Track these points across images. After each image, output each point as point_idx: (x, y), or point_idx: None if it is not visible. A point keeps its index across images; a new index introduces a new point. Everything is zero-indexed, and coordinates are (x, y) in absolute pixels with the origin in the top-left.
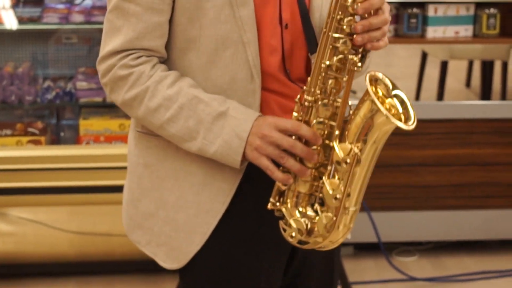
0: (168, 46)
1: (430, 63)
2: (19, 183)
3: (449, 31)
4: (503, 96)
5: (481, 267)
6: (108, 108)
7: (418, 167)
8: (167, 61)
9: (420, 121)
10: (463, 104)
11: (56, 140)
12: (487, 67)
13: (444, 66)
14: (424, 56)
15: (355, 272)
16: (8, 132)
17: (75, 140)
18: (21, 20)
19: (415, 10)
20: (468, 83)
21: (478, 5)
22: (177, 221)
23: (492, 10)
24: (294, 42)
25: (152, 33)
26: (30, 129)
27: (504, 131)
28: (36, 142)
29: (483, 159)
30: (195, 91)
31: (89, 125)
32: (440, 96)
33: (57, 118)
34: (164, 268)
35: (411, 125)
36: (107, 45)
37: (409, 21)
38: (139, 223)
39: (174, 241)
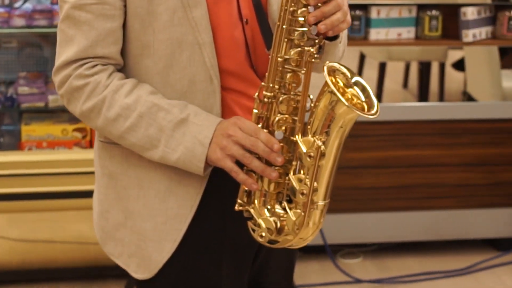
0: (123, 52)
1: (367, 65)
2: None
3: (392, 33)
4: (441, 97)
5: (424, 268)
6: (51, 113)
7: (361, 169)
8: (123, 68)
9: (359, 124)
10: (404, 106)
11: None
12: (424, 68)
13: (382, 67)
14: (362, 58)
15: (301, 274)
16: None
17: (17, 146)
18: None
19: (358, 12)
20: (405, 84)
21: (420, 7)
22: (145, 230)
23: (434, 12)
24: (255, 37)
25: (105, 40)
26: None
27: (445, 133)
28: None
29: (424, 161)
30: (154, 98)
31: (31, 130)
32: (379, 97)
33: None
34: (108, 274)
35: (374, 114)
36: (61, 56)
37: (352, 23)
38: (111, 235)
39: (144, 251)
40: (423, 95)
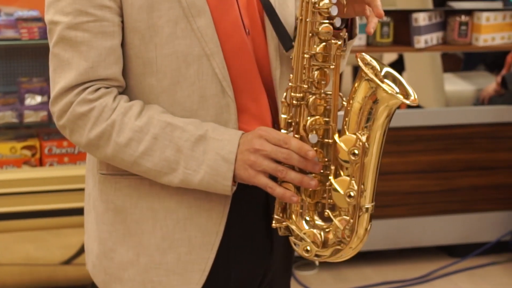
0: (124, 73)
1: None
2: None
3: None
4: None
5: (382, 278)
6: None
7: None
8: (125, 90)
9: None
10: None
11: None
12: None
13: None
14: None
15: None
16: None
17: None
18: None
19: None
20: (339, 89)
21: None
22: (166, 264)
23: (385, 19)
24: (256, 47)
25: (106, 60)
26: None
27: (398, 140)
28: None
29: (382, 169)
30: (167, 117)
31: None
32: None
33: None
34: None
35: (414, 100)
36: (58, 83)
37: None
38: (117, 276)
39: (166, 287)
40: None
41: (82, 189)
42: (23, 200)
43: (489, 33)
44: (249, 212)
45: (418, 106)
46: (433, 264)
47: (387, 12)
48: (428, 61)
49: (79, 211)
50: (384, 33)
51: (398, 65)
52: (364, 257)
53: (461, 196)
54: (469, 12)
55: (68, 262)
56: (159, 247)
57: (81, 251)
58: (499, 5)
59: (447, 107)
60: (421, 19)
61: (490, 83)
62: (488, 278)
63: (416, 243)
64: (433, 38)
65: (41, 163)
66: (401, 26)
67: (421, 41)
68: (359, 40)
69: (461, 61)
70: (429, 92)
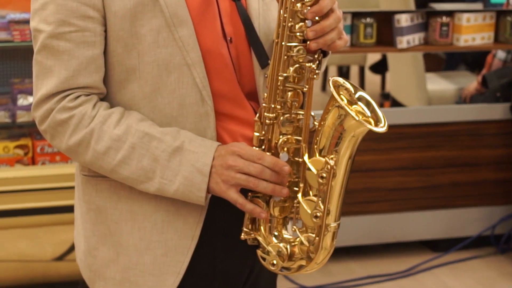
0: (105, 79)
1: None
2: None
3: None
4: None
5: (366, 272)
6: None
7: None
8: (107, 96)
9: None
10: None
11: None
12: (343, 72)
13: None
14: None
15: None
16: None
17: None
18: None
19: None
20: (323, 88)
21: (355, 15)
22: (143, 264)
23: (368, 20)
24: (240, 56)
25: (87, 69)
26: None
27: (381, 137)
28: None
29: (361, 166)
30: (145, 127)
31: None
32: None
33: None
34: None
35: (384, 128)
36: (40, 89)
37: None
38: (99, 273)
39: (142, 287)
40: None
41: (73, 187)
42: (16, 198)
43: (469, 34)
44: (228, 215)
45: (401, 105)
46: (416, 258)
47: (371, 14)
48: (410, 61)
49: (71, 209)
50: (367, 34)
51: (382, 65)
52: (349, 252)
53: (443, 192)
54: (450, 13)
55: (60, 258)
56: (137, 248)
57: (72, 247)
58: (479, 6)
59: (430, 106)
60: (403, 20)
61: (471, 82)
62: (470, 272)
63: (399, 238)
64: (415, 38)
65: (33, 162)
66: (384, 27)
67: (403, 41)
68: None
69: (443, 61)
70: (412, 91)
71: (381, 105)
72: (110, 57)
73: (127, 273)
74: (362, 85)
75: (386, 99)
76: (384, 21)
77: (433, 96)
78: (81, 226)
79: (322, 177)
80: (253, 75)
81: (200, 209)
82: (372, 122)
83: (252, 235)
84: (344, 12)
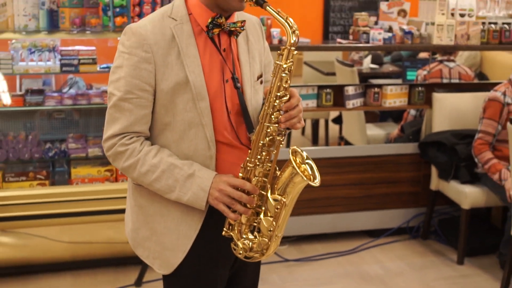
0: (150, 128)
1: None
2: (30, 211)
3: (303, 105)
4: (327, 141)
5: (327, 250)
6: (90, 160)
7: None
8: (150, 138)
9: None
10: (318, 149)
11: (55, 182)
12: (315, 123)
13: None
14: None
15: None
16: (24, 178)
17: (68, 182)
18: (30, 104)
19: None
20: (303, 133)
21: (320, 87)
22: (164, 243)
23: (328, 90)
24: (236, 121)
25: (140, 122)
26: (38, 176)
27: (337, 165)
28: (42, 184)
29: (324, 183)
30: (172, 159)
31: (77, 172)
32: (288, 143)
33: (55, 167)
34: (129, 262)
35: (316, 183)
36: (109, 130)
37: None
38: (140, 244)
39: (164, 256)
40: (315, 140)
41: None
42: (106, 202)
43: (392, 99)
44: (217, 222)
45: (350, 144)
46: (359, 241)
47: (330, 86)
48: (356, 116)
49: None
50: (327, 99)
51: (339, 119)
52: (316, 237)
53: (376, 199)
54: (380, 86)
55: None
56: (162, 232)
57: None
58: (399, 81)
59: (368, 144)
60: (350, 90)
61: (394, 130)
62: (393, 250)
63: (348, 228)
64: (358, 102)
65: (116, 180)
66: (338, 94)
67: (350, 104)
68: (312, 103)
69: (377, 115)
70: (357, 135)
71: (338, 144)
72: (155, 115)
73: (156, 246)
74: (326, 132)
75: (342, 140)
76: (338, 91)
77: (370, 138)
78: (130, 214)
79: (277, 208)
80: (245, 132)
81: (201, 213)
82: (311, 178)
83: (229, 232)
84: (313, 85)
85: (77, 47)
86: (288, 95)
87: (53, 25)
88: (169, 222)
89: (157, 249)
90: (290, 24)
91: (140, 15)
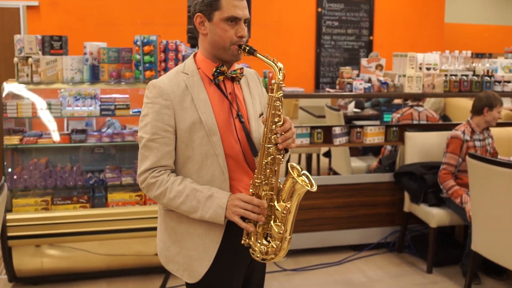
0: (175, 161)
1: None
2: (74, 229)
3: (298, 142)
4: (318, 172)
5: (319, 261)
6: (123, 187)
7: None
8: (175, 170)
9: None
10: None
11: (94, 205)
12: (309, 157)
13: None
14: None
15: None
16: (69, 202)
17: (105, 205)
18: (75, 141)
19: None
20: (299, 164)
21: (312, 128)
22: (192, 256)
23: (318, 130)
24: (245, 148)
25: (166, 157)
26: (81, 200)
27: (327, 191)
28: (84, 207)
29: (314, 205)
30: (194, 185)
31: (113, 196)
32: (286, 167)
33: (95, 193)
34: (154, 271)
35: (314, 188)
36: (141, 166)
37: None
38: (170, 259)
39: (192, 267)
40: (309, 170)
41: None
42: (137, 222)
43: (372, 136)
44: (235, 231)
45: (338, 173)
46: (345, 254)
47: (320, 127)
48: (342, 151)
49: None
50: (318, 137)
51: (328, 153)
52: (310, 251)
53: (359, 219)
54: (362, 127)
55: (157, 254)
56: (190, 248)
57: None
58: (377, 122)
59: (352, 174)
60: (337, 130)
61: (374, 162)
62: (374, 261)
63: (336, 243)
64: (343, 139)
65: (145, 203)
66: (327, 133)
67: (337, 141)
68: (306, 140)
69: (360, 150)
70: (343, 166)
71: (328, 174)
72: (178, 151)
73: (185, 259)
74: (318, 164)
75: (331, 170)
76: (327, 130)
77: (354, 169)
78: (160, 235)
79: (283, 213)
80: (252, 158)
81: (221, 227)
82: (309, 185)
83: (247, 241)
84: (307, 126)
85: (113, 95)
86: (282, 121)
87: (94, 77)
88: (195, 238)
89: (186, 261)
90: (277, 65)
91: (166, 69)
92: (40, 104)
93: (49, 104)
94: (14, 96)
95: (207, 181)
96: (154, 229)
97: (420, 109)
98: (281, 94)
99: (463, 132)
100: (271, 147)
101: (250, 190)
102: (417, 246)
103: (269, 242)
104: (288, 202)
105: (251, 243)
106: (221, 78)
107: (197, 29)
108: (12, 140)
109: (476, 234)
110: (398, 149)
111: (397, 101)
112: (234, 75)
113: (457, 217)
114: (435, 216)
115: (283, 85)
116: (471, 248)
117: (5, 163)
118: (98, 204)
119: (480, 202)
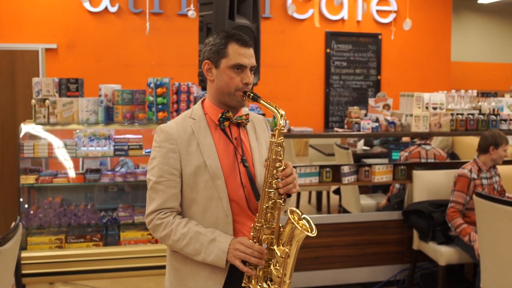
0: (180, 203)
1: None
2: (87, 267)
3: (307, 181)
4: (328, 209)
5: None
6: (136, 226)
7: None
8: (181, 212)
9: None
10: (321, 216)
11: (107, 243)
12: (319, 194)
13: (298, 194)
14: None
15: None
16: (82, 240)
17: (118, 243)
18: (89, 180)
19: None
20: (309, 202)
21: (321, 167)
22: None
23: (327, 169)
24: (248, 193)
25: (171, 199)
26: (94, 238)
27: (336, 229)
28: (97, 245)
29: (324, 244)
30: (198, 228)
31: (125, 235)
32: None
33: (108, 231)
34: None
35: (314, 233)
36: (148, 208)
37: None
38: None
39: None
40: (319, 207)
41: None
42: (148, 260)
43: (380, 175)
44: (236, 274)
45: (348, 211)
46: None
47: (329, 166)
48: (351, 188)
49: None
50: (327, 176)
51: (338, 191)
52: None
53: (369, 257)
54: (370, 165)
55: None
56: None
57: None
58: (385, 161)
59: (362, 212)
60: (346, 169)
61: (383, 200)
62: None
63: (346, 281)
64: (352, 178)
65: (156, 242)
66: (336, 172)
67: (346, 180)
68: (315, 179)
69: (369, 188)
70: (352, 204)
71: (338, 212)
72: (183, 193)
73: None
74: (328, 201)
75: (341, 207)
76: (336, 169)
77: (363, 207)
78: (167, 275)
79: (282, 257)
80: (255, 202)
81: (224, 271)
82: (309, 230)
83: (248, 284)
84: (315, 165)
85: (127, 136)
86: (283, 166)
87: (109, 118)
88: (199, 280)
89: None
90: (279, 111)
91: (178, 111)
92: (56, 144)
93: (64, 144)
94: (31, 136)
95: (212, 223)
96: (165, 267)
97: (428, 147)
98: (283, 140)
99: (470, 171)
100: (272, 191)
101: (251, 234)
102: (426, 284)
103: (268, 286)
104: (288, 247)
105: (251, 286)
106: (226, 123)
107: (205, 75)
108: (28, 180)
109: (485, 272)
110: (406, 187)
111: (405, 139)
112: (239, 121)
113: (466, 255)
114: (444, 254)
115: (284, 130)
116: (480, 286)
117: (21, 199)
118: (111, 242)
119: (488, 241)
